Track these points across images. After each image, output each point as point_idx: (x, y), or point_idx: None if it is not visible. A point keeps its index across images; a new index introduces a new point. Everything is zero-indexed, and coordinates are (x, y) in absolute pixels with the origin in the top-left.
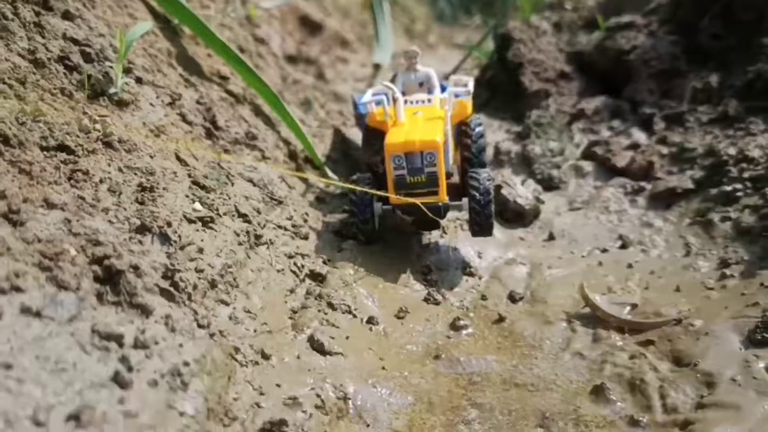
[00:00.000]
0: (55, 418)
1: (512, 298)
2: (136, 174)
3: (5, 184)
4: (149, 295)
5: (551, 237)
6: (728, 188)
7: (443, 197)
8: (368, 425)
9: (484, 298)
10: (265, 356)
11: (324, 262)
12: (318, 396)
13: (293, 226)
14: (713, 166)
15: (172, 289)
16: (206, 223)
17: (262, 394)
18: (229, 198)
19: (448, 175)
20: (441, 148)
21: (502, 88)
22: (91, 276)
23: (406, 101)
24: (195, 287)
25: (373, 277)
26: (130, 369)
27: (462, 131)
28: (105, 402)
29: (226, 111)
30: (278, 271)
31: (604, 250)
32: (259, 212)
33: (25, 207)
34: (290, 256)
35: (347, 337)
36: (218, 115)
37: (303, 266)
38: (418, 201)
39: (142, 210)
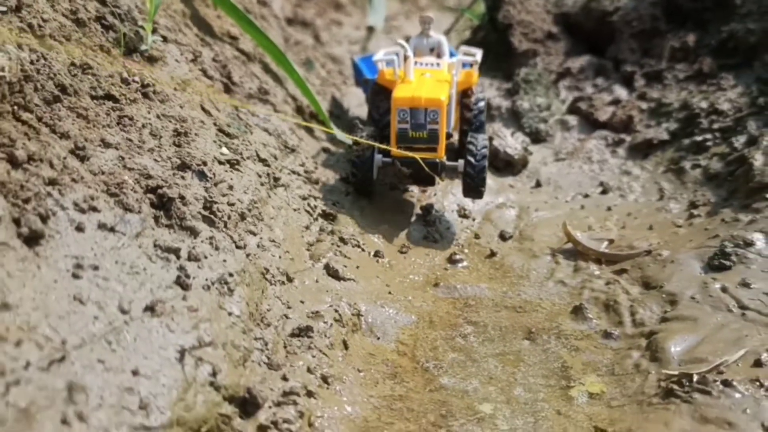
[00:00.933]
0: (135, 308)
1: (502, 237)
2: (170, 121)
3: (68, 126)
4: (195, 221)
5: (538, 184)
6: (699, 138)
7: (441, 155)
8: (378, 338)
9: (477, 237)
10: (289, 278)
11: (333, 204)
12: (336, 311)
13: (305, 171)
14: (686, 119)
15: (212, 216)
16: (233, 165)
17: (289, 307)
18: (250, 144)
19: (448, 136)
20: (444, 108)
21: (493, 48)
22: (148, 202)
23: (416, 62)
24: (229, 217)
25: (378, 218)
26: (187, 276)
27: (465, 97)
28: (171, 299)
29: (239, 68)
30: (294, 210)
31: (586, 196)
32: (275, 158)
33: (87, 145)
34: (304, 198)
35: (357, 267)
36: (233, 72)
37: (315, 207)
38: (417, 156)
39: (180, 151)
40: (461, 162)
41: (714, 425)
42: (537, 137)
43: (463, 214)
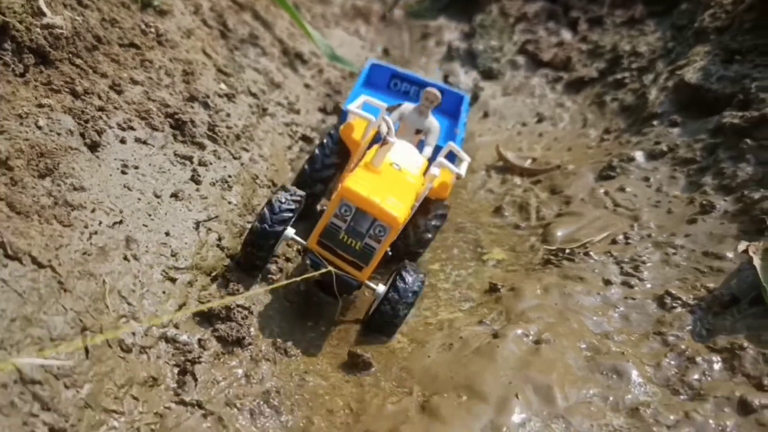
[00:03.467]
0: (164, 194)
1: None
2: (180, 63)
3: (105, 68)
4: (202, 138)
5: (485, 115)
6: (620, 76)
7: (364, 278)
8: None
9: None
10: (274, 184)
11: (312, 130)
12: None
13: (289, 103)
14: (613, 60)
15: (215, 136)
16: (230, 97)
17: None
18: (243, 81)
19: (385, 257)
20: (397, 231)
21: None
22: (168, 124)
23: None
24: (228, 137)
25: None
26: (199, 175)
27: (424, 211)
28: (188, 189)
29: (233, 16)
30: (279, 134)
31: (524, 124)
32: (264, 92)
33: (120, 82)
34: (287, 125)
35: None
36: (228, 20)
37: (296, 132)
38: (333, 267)
39: (189, 87)
40: (381, 289)
41: (571, 279)
42: (489, 75)
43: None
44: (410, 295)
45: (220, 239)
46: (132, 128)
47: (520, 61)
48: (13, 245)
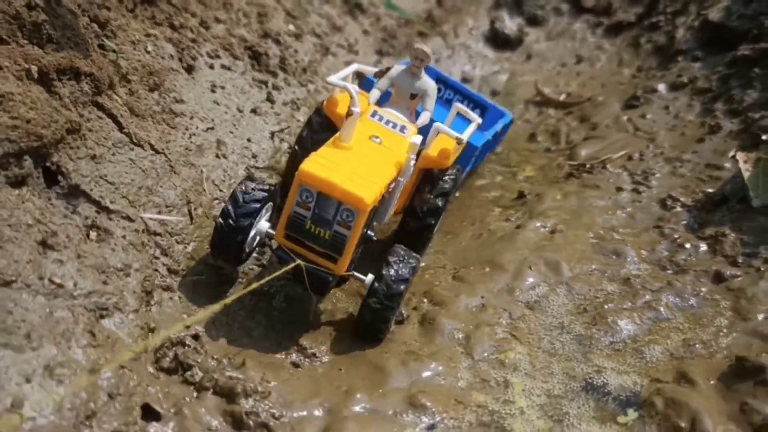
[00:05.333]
0: (245, 110)
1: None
2: (255, 6)
3: (194, 8)
4: (275, 68)
5: (528, 57)
6: (655, 20)
7: (341, 270)
8: None
9: None
10: None
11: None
12: None
13: (348, 45)
14: (651, 4)
15: (285, 67)
16: (297, 36)
17: None
18: (309, 24)
19: (366, 240)
20: (367, 212)
21: None
22: (247, 55)
23: (375, 113)
24: (296, 69)
25: None
26: (273, 96)
27: (426, 180)
28: (264, 107)
29: None
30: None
31: (563, 65)
32: (326, 35)
33: (207, 20)
34: (347, 64)
35: None
36: None
37: None
38: (303, 260)
39: (263, 26)
40: (369, 278)
41: (588, 187)
42: (534, 21)
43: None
44: (397, 287)
45: (290, 148)
46: (218, 57)
47: (563, 8)
48: (137, 135)
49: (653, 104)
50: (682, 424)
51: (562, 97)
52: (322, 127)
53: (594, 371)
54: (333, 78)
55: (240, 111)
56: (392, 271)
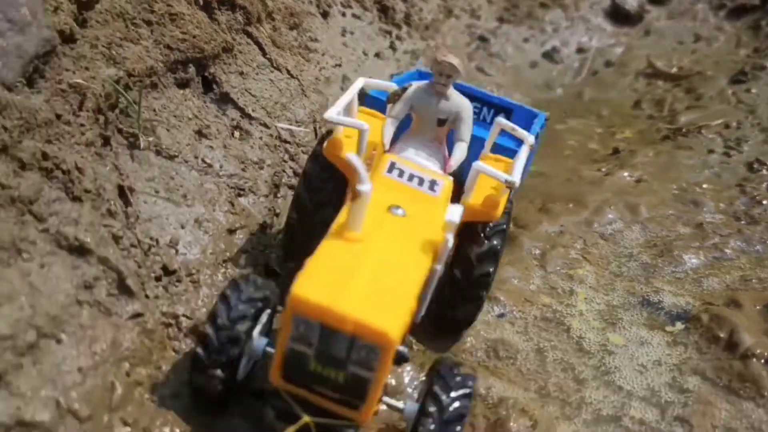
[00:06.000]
0: (370, 53)
1: (607, 64)
2: None
3: None
4: (399, 21)
5: (647, 33)
6: None
7: (366, 417)
8: None
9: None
10: None
11: (488, 32)
12: None
13: (471, 9)
14: None
15: (409, 21)
16: (325, 14)
17: None
18: None
19: (400, 359)
20: (393, 349)
21: None
22: (375, 8)
23: (393, 166)
24: (418, 26)
25: None
26: (395, 44)
27: (470, 240)
28: (387, 53)
29: None
30: (460, 32)
31: (681, 42)
32: None
33: None
34: (468, 26)
35: None
36: None
37: (474, 33)
38: (310, 418)
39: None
40: (410, 408)
41: (681, 148)
42: (660, 1)
43: (581, 49)
44: (455, 426)
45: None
46: (350, 7)
47: None
48: (276, 61)
49: (760, 80)
50: (721, 335)
51: (674, 70)
52: (324, 181)
53: (652, 291)
54: (332, 114)
55: (365, 54)
56: (443, 404)
